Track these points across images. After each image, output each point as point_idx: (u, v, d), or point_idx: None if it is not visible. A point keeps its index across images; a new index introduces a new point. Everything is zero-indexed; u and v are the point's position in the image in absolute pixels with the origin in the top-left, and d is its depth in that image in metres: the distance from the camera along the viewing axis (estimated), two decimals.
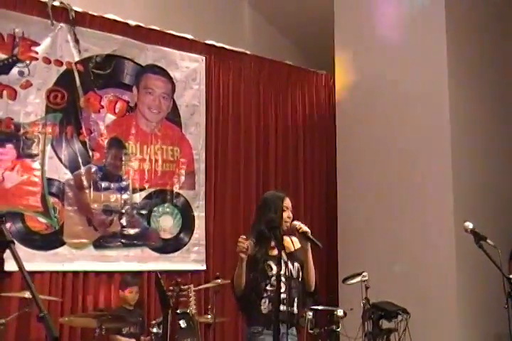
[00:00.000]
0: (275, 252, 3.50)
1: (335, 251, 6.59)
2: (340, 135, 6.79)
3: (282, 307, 3.39)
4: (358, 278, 5.17)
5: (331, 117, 6.94)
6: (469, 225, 3.52)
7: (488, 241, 3.40)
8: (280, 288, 3.30)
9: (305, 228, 3.50)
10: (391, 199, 6.08)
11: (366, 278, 5.10)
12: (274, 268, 3.48)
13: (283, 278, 3.43)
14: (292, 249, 3.65)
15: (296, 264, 3.61)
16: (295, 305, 3.55)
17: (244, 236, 3.44)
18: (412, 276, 5.74)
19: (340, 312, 5.14)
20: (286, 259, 3.51)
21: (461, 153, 5.64)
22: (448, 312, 5.41)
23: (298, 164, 6.75)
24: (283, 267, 3.42)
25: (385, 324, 5.10)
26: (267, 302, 3.49)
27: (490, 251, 3.43)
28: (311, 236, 3.46)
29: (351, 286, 5.29)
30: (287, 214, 3.62)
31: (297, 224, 3.54)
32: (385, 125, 6.23)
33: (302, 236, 3.52)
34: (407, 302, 5.19)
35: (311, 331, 5.06)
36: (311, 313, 5.07)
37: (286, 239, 3.64)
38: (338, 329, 5.13)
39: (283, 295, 3.43)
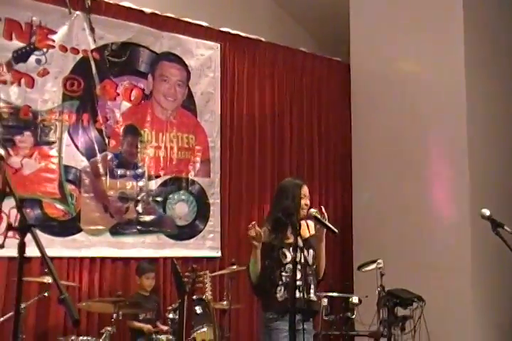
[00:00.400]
0: (291, 239, 3.55)
1: (350, 238, 6.61)
2: (356, 122, 6.79)
3: (298, 294, 3.42)
4: (373, 266, 5.19)
5: (346, 104, 6.94)
6: (486, 212, 3.48)
7: (506, 228, 3.37)
8: (296, 275, 3.33)
9: (323, 211, 3.54)
10: (406, 187, 6.08)
11: (381, 265, 5.12)
12: (289, 255, 3.53)
13: (298, 266, 3.45)
14: (308, 235, 3.69)
15: (311, 251, 3.64)
16: (311, 291, 3.59)
17: (254, 223, 3.48)
18: (427, 264, 5.75)
19: (355, 300, 5.18)
20: (302, 246, 3.53)
21: (477, 142, 5.64)
22: (463, 299, 5.43)
23: (313, 151, 6.74)
24: (298, 254, 3.44)
25: (400, 311, 5.14)
26: (283, 289, 3.52)
27: (507, 238, 3.42)
28: (327, 222, 3.49)
29: (366, 273, 5.31)
30: (305, 202, 3.66)
31: (314, 211, 3.57)
32: (400, 114, 6.23)
33: (318, 222, 3.55)
34: (423, 290, 5.20)
35: (326, 317, 5.12)
36: (326, 300, 5.12)
37: (303, 224, 3.68)
38: (353, 316, 5.18)
39: (298, 282, 3.46)
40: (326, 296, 5.12)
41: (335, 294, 5.23)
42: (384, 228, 6.23)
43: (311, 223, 3.74)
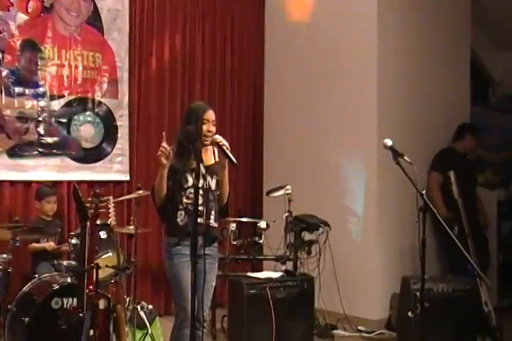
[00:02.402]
0: (193, 165, 3.31)
1: (261, 165, 6.47)
2: (268, 52, 6.50)
3: (200, 220, 3.26)
4: (282, 191, 5.10)
5: (260, 32, 6.55)
6: (388, 142, 3.39)
7: (405, 157, 3.31)
8: (197, 200, 3.15)
9: (224, 142, 3.32)
10: (316, 115, 5.93)
11: (289, 191, 5.04)
12: (190, 180, 3.35)
13: (200, 191, 3.28)
14: (212, 162, 3.49)
15: (214, 177, 3.47)
16: (212, 217, 3.45)
17: (165, 144, 3.24)
18: (334, 190, 5.71)
19: (263, 224, 5.08)
20: (204, 172, 3.35)
21: (386, 76, 5.46)
22: (368, 225, 5.43)
23: (225, 77, 6.32)
24: (201, 180, 3.27)
25: (306, 236, 5.10)
26: (183, 214, 3.37)
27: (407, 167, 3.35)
28: (228, 152, 3.28)
29: (275, 199, 5.22)
30: (207, 128, 3.40)
31: (217, 137, 3.35)
32: (313, 47, 5.98)
33: (220, 149, 3.35)
34: (329, 216, 5.17)
35: (234, 242, 5.02)
36: (234, 225, 5.00)
37: (210, 149, 3.48)
38: (261, 241, 5.10)
39: (200, 208, 3.30)
40: (234, 221, 4.99)
41: (243, 219, 5.11)
42: (294, 155, 6.09)
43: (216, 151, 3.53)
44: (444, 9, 5.91)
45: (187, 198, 3.36)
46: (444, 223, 3.35)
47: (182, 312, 3.35)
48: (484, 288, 4.70)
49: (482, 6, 6.40)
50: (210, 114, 3.45)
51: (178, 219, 3.38)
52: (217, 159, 3.51)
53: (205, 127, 3.39)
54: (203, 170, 3.29)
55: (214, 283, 3.56)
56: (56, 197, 4.85)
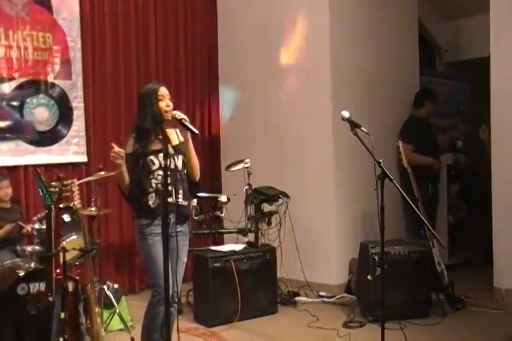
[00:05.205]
0: (156, 147, 3.31)
1: (218, 140, 6.39)
2: (221, 18, 6.37)
3: (170, 199, 3.23)
4: (241, 165, 5.09)
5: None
6: (345, 114, 3.39)
7: (362, 128, 3.31)
8: (167, 180, 3.08)
9: (182, 116, 3.28)
10: (271, 88, 5.87)
11: (248, 164, 5.03)
12: (157, 162, 3.32)
13: (168, 172, 3.20)
14: (177, 142, 3.42)
15: (180, 156, 3.42)
16: (180, 196, 3.40)
17: (112, 144, 3.21)
18: (292, 162, 5.70)
19: (223, 199, 5.06)
20: (172, 152, 3.30)
21: (339, 47, 5.42)
22: (325, 195, 5.45)
23: (179, 50, 6.11)
24: (168, 160, 3.21)
25: (266, 207, 5.09)
26: (154, 196, 3.33)
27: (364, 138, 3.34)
28: (188, 124, 3.25)
29: (234, 173, 5.18)
30: (165, 103, 3.34)
31: (176, 113, 3.30)
32: (267, 13, 5.86)
33: (180, 124, 3.28)
34: (288, 187, 5.17)
35: (196, 217, 4.98)
36: (195, 200, 4.95)
37: (171, 132, 3.39)
38: (222, 215, 5.07)
39: (169, 188, 3.23)
40: (195, 197, 4.94)
41: (204, 194, 5.06)
42: (250, 128, 6.04)
43: (179, 132, 3.45)
44: None
45: (156, 180, 3.32)
46: (401, 191, 3.36)
47: (159, 290, 3.31)
48: (436, 249, 4.81)
49: None
50: (163, 90, 3.39)
51: (150, 202, 3.34)
52: (181, 139, 3.45)
53: (162, 103, 3.34)
54: (170, 150, 3.25)
55: (185, 260, 3.55)
56: (8, 180, 4.55)
